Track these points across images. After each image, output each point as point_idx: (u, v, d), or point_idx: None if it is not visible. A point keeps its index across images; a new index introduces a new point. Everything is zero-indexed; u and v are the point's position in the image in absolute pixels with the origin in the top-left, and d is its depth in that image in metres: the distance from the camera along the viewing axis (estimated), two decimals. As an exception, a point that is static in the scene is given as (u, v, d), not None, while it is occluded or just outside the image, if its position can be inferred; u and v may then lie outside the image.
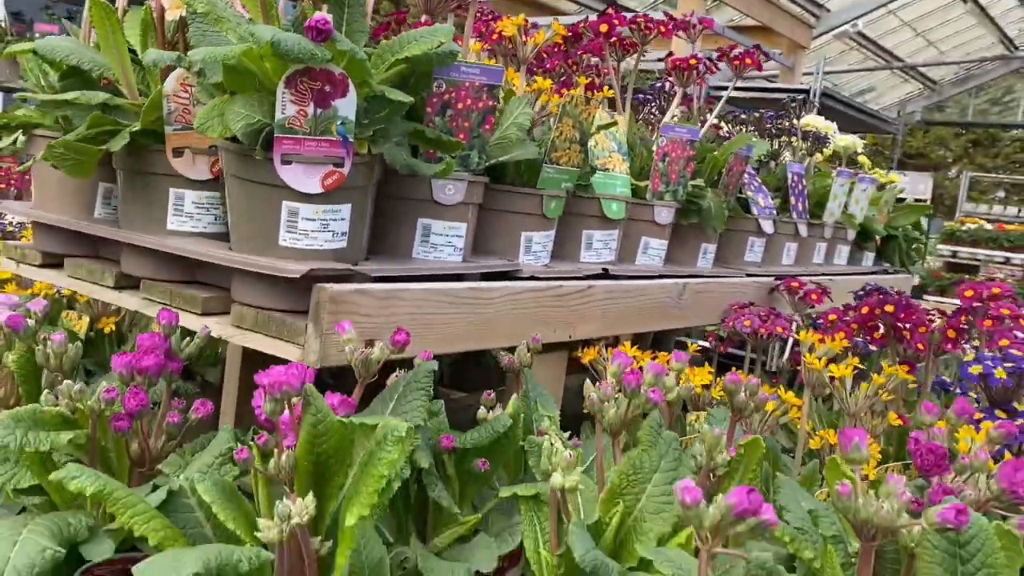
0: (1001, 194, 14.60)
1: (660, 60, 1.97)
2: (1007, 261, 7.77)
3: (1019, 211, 11.35)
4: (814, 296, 1.96)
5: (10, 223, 2.06)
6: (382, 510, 0.94)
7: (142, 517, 0.80)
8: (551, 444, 0.88)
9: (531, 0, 5.94)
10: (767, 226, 2.10)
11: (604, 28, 1.65)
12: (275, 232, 1.06)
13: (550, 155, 1.38)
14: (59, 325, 1.48)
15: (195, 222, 1.22)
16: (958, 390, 1.49)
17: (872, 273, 2.76)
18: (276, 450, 0.88)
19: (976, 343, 1.64)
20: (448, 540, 1.00)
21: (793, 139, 2.30)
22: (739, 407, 1.07)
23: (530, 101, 1.32)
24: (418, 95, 1.17)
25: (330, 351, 1.03)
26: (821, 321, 1.83)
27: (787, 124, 2.26)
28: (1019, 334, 1.37)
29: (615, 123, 1.54)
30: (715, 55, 1.88)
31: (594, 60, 1.83)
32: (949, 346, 1.50)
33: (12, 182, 2.98)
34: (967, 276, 7.46)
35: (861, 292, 2.24)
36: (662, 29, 1.71)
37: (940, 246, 8.43)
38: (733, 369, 1.50)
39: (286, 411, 0.88)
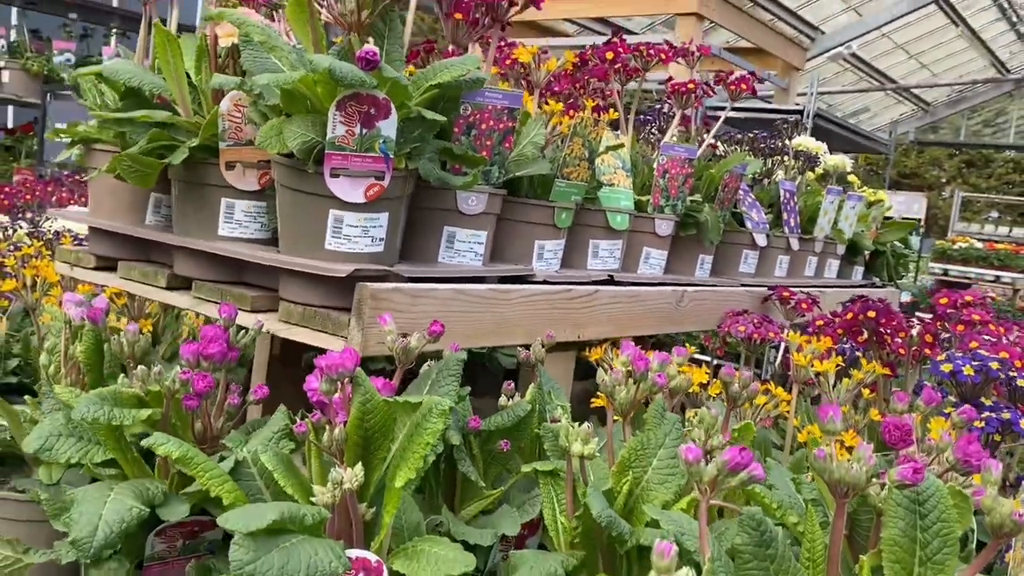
0: (994, 214, 14.79)
1: (661, 84, 2.11)
2: (997, 279, 7.92)
3: (1011, 230, 11.53)
4: (804, 305, 2.09)
5: (48, 231, 2.19)
6: (418, 480, 1.07)
7: (218, 480, 0.93)
8: (567, 425, 1.00)
9: (532, 22, 6.09)
10: (760, 239, 2.24)
11: (610, 56, 1.79)
12: (322, 237, 1.19)
13: (561, 171, 1.51)
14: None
15: (243, 229, 1.35)
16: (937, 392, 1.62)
17: (860, 286, 2.90)
18: (328, 426, 1.01)
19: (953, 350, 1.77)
20: (475, 511, 1.13)
21: (785, 158, 2.44)
22: (734, 396, 1.20)
23: (544, 122, 1.45)
24: (447, 116, 1.30)
25: (370, 342, 1.16)
26: (810, 328, 1.96)
27: (780, 144, 2.40)
28: (988, 337, 1.50)
29: (622, 145, 1.68)
30: (712, 78, 2.03)
31: (599, 83, 1.97)
32: (928, 350, 1.64)
33: (63, 195, 3.12)
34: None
35: (848, 303, 2.37)
36: (663, 56, 1.85)
37: (932, 264, 8.58)
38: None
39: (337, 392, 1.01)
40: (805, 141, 2.57)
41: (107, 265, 1.52)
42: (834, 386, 1.36)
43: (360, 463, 0.96)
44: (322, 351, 1.18)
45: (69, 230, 2.37)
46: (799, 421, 1.59)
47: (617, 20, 9.40)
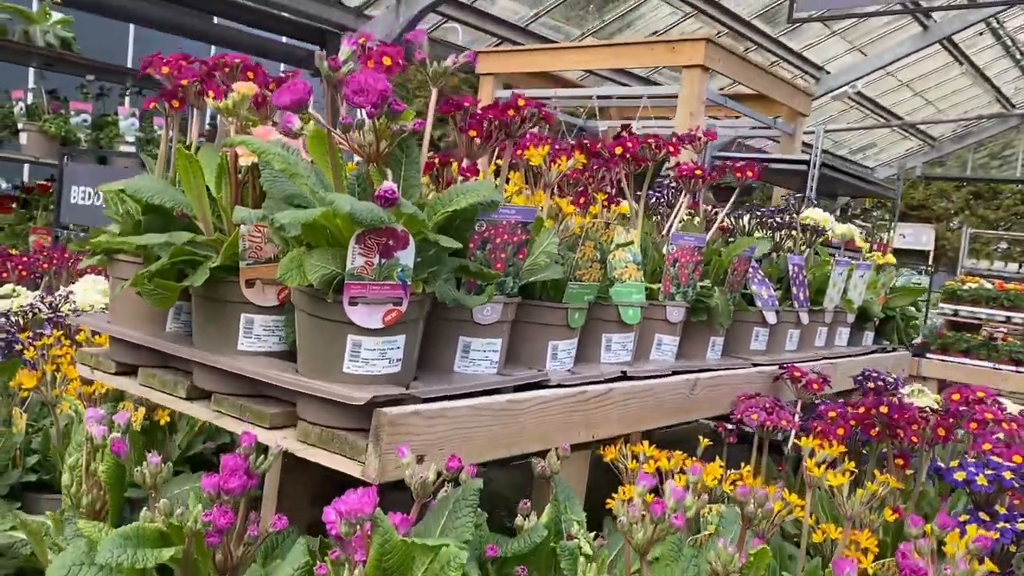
0: (1004, 245, 14.76)
1: (670, 169, 2.14)
2: (1008, 320, 7.89)
3: (1020, 267, 11.50)
4: (815, 385, 2.10)
5: (67, 313, 2.22)
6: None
7: (240, 628, 0.94)
8: (581, 554, 1.02)
9: (541, 72, 6.16)
10: (771, 317, 2.25)
11: (619, 150, 1.82)
12: (340, 360, 1.22)
13: (574, 274, 1.54)
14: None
15: (262, 343, 1.37)
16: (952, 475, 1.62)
17: (872, 352, 2.91)
18: (347, 565, 1.02)
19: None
20: (492, 640, 1.14)
21: (793, 232, 2.46)
22: (748, 517, 1.20)
23: (556, 232, 1.48)
24: (463, 234, 1.33)
25: (388, 467, 1.17)
26: (823, 408, 1.96)
27: (787, 219, 2.43)
28: (1001, 436, 1.51)
29: (632, 242, 1.70)
30: (718, 155, 2.05)
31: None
32: (941, 440, 1.64)
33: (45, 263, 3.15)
34: (968, 335, 7.55)
35: (860, 377, 2.38)
36: (670, 150, 1.88)
37: (942, 304, 8.56)
38: (742, 466, 1.64)
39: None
40: (812, 213, 2.59)
41: (127, 371, 1.54)
42: (848, 495, 1.36)
43: (380, 603, 0.97)
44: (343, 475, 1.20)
45: (92, 306, 2.40)
46: (814, 520, 1.59)
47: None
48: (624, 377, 1.71)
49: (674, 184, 2.30)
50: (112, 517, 1.33)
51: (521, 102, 1.38)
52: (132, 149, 4.50)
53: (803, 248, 2.53)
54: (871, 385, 2.29)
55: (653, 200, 2.31)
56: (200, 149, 1.51)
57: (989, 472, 1.34)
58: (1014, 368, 5.56)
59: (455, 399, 1.30)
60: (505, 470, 2.04)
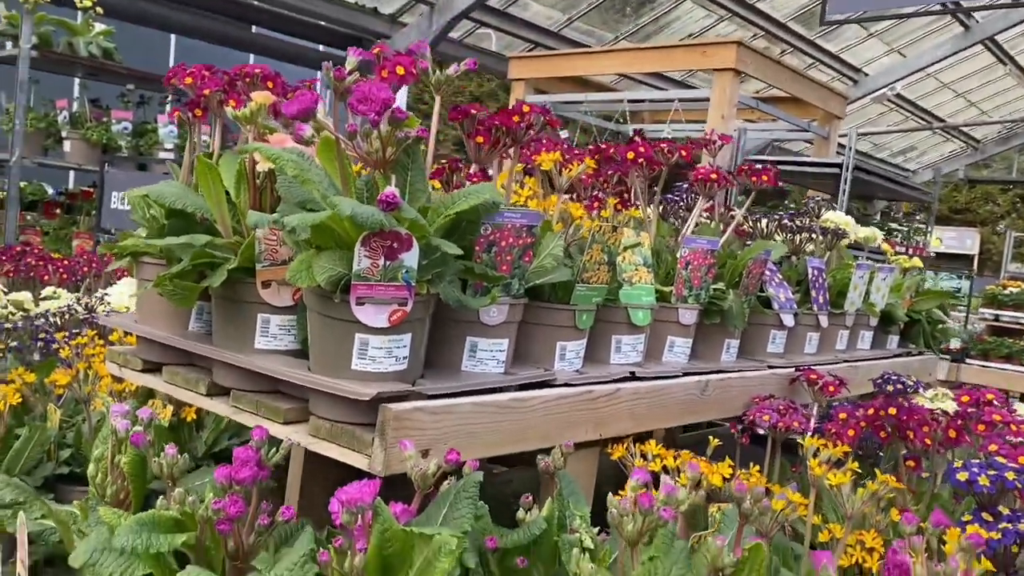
0: (1050, 249, 14.40)
1: (687, 170, 2.16)
2: (1051, 325, 7.72)
3: (1067, 271, 11.24)
4: (832, 388, 2.11)
5: (102, 313, 2.31)
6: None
7: (245, 610, 0.99)
8: (579, 549, 1.05)
9: (574, 77, 6.20)
10: (788, 319, 2.26)
11: (631, 155, 1.85)
12: (348, 358, 1.27)
13: (582, 276, 1.57)
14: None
15: (278, 342, 1.43)
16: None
17: (896, 356, 2.89)
18: (350, 552, 1.07)
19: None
20: (492, 630, 1.18)
21: (813, 235, 2.47)
22: (745, 513, 1.23)
23: (562, 236, 1.52)
24: (468, 238, 1.37)
25: (393, 461, 1.22)
26: (835, 409, 1.97)
27: (807, 222, 2.43)
28: (1011, 439, 1.51)
29: (640, 243, 1.73)
30: (733, 164, 2.07)
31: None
32: (952, 442, 1.65)
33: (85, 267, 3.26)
34: (1009, 340, 7.43)
35: (879, 380, 2.38)
36: (683, 154, 1.91)
37: (983, 309, 8.42)
38: (751, 466, 1.66)
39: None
40: (833, 216, 2.60)
41: (153, 368, 1.61)
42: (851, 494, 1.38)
43: (379, 589, 1.02)
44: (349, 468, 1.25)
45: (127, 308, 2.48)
46: (820, 519, 1.61)
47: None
48: (633, 378, 1.74)
49: (691, 189, 2.32)
50: (135, 506, 1.39)
51: (526, 108, 1.42)
52: (171, 156, 4.63)
53: (824, 251, 2.53)
54: (889, 388, 2.29)
55: (671, 205, 2.34)
56: (222, 157, 1.57)
57: (991, 473, 1.35)
58: (1056, 374, 5.44)
59: (460, 396, 1.35)
60: (522, 469, 2.08)
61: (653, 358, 1.91)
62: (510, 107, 1.49)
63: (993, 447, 1.44)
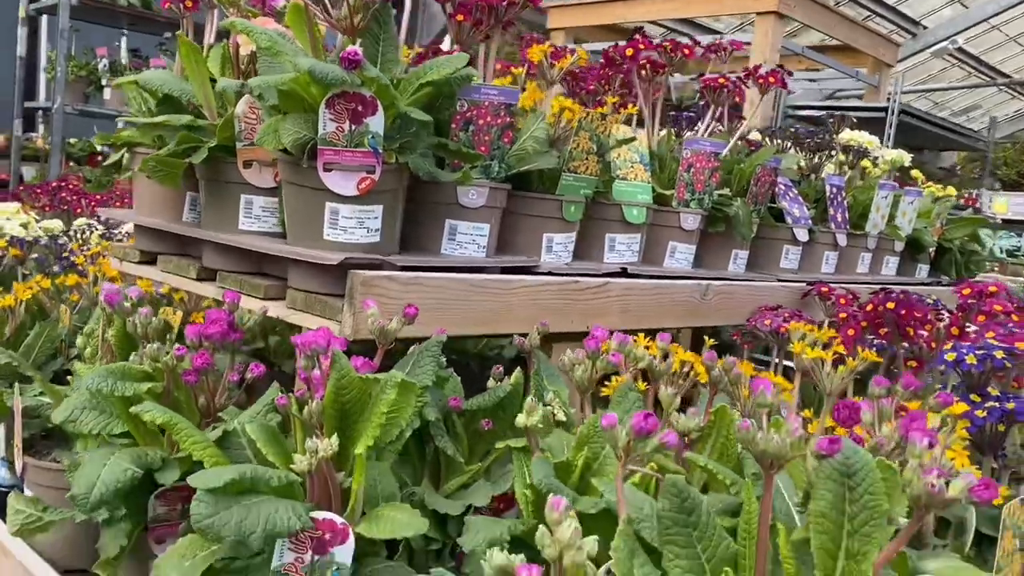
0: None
1: (694, 78, 2.12)
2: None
3: None
4: (843, 301, 2.06)
5: (118, 234, 2.37)
6: (396, 454, 1.14)
7: (200, 445, 1.02)
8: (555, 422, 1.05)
9: (615, 26, 6.10)
10: (801, 234, 2.21)
11: (630, 52, 1.82)
12: (320, 227, 1.28)
13: (568, 165, 1.56)
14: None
15: (262, 223, 1.45)
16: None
17: (925, 284, 2.81)
18: (309, 399, 1.08)
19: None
20: (455, 486, 1.19)
21: (833, 153, 2.40)
22: (714, 381, 1.21)
23: (543, 116, 1.50)
24: (444, 113, 1.37)
25: (361, 326, 1.23)
26: (838, 309, 1.91)
27: (826, 138, 2.37)
28: (1013, 327, 1.46)
29: (634, 138, 1.71)
30: (742, 74, 2.03)
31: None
32: (955, 338, 1.59)
33: (117, 203, 3.34)
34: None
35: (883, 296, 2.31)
36: (686, 52, 1.87)
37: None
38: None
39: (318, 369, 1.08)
40: (857, 135, 2.52)
41: (150, 259, 1.65)
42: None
43: (336, 435, 1.03)
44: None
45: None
46: (810, 412, 1.58)
47: (704, 21, 9.30)
48: (624, 274, 1.72)
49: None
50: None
51: (504, -15, 1.40)
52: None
53: (846, 170, 2.47)
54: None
55: (683, 120, 2.29)
56: (213, 48, 1.60)
57: (980, 352, 1.30)
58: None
59: (434, 271, 1.35)
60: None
61: (654, 263, 1.88)
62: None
63: (990, 334, 1.39)
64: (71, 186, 3.32)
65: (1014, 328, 1.47)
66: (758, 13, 5.19)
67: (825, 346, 1.44)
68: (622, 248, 1.76)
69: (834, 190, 2.36)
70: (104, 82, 4.65)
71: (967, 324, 1.54)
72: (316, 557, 0.99)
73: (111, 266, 1.77)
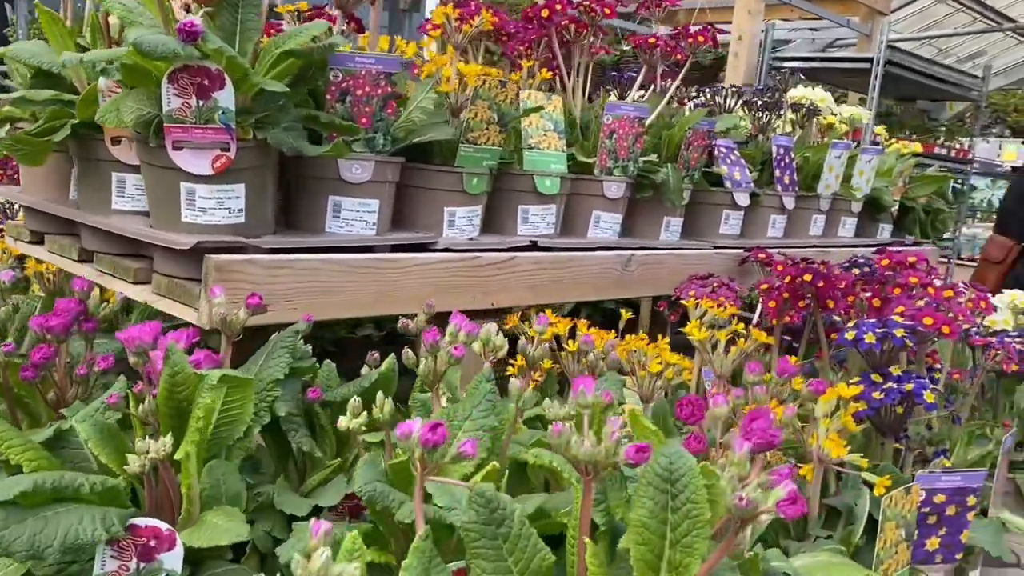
0: None
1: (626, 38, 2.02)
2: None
3: None
4: (780, 268, 1.98)
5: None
6: (244, 451, 1.08)
7: (19, 448, 0.96)
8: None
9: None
10: (741, 199, 2.13)
11: (546, 13, 1.73)
12: (178, 210, 1.21)
13: (466, 135, 1.48)
14: (29, 295, 1.66)
15: (135, 202, 1.38)
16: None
17: (885, 245, 2.72)
18: (145, 396, 1.03)
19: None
20: (315, 483, 1.13)
21: (782, 112, 2.30)
22: (591, 366, 1.15)
23: (431, 85, 1.42)
24: (316, 83, 1.29)
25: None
26: (759, 282, 1.83)
27: (775, 97, 2.27)
28: (929, 300, 1.38)
29: (542, 107, 1.62)
30: (671, 32, 1.93)
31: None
32: (877, 312, 1.52)
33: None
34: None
35: (847, 264, 2.23)
36: (606, 12, 1.77)
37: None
38: (660, 338, 1.57)
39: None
40: (808, 93, 2.42)
41: (40, 240, 1.59)
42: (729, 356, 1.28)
43: (172, 434, 0.98)
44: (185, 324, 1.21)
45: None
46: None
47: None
48: (535, 247, 1.65)
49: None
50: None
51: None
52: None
53: (794, 129, 2.37)
54: (856, 272, 2.15)
55: (616, 80, 2.20)
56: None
57: (880, 331, 1.23)
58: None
59: (309, 252, 1.29)
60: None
61: (576, 234, 1.81)
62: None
63: (900, 309, 1.32)
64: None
65: (934, 301, 1.40)
66: (742, -41, 5.04)
67: (719, 327, 1.37)
68: (536, 220, 1.68)
69: (781, 151, 2.27)
70: None
71: (886, 296, 1.46)
72: (142, 564, 0.95)
73: (7, 244, 1.71)
